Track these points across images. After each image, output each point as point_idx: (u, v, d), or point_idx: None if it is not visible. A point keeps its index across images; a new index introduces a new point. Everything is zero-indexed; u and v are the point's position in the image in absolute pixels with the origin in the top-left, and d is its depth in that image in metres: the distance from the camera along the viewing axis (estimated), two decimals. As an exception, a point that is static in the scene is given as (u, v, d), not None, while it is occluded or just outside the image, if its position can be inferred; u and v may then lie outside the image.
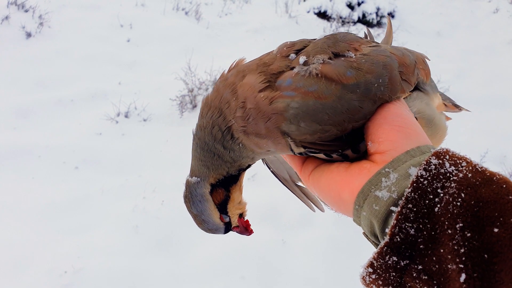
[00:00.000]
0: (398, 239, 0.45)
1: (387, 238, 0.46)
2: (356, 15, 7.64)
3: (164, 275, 2.68)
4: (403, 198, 0.46)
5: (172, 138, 4.07)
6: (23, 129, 3.98)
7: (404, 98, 0.65)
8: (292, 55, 0.62)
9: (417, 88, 0.70)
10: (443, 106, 0.83)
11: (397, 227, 0.45)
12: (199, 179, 0.71)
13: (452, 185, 0.44)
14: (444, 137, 0.74)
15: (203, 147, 0.67)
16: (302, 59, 0.60)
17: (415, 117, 0.65)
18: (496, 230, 0.40)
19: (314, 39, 0.66)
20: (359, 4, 7.80)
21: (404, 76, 0.60)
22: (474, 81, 5.92)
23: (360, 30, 6.97)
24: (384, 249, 0.46)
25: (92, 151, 3.77)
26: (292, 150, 0.60)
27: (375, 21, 7.78)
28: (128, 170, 3.59)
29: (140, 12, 6.75)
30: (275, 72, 0.60)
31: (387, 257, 0.45)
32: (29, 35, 5.40)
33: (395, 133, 0.54)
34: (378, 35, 7.22)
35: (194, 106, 4.55)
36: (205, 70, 4.76)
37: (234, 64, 0.68)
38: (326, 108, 0.55)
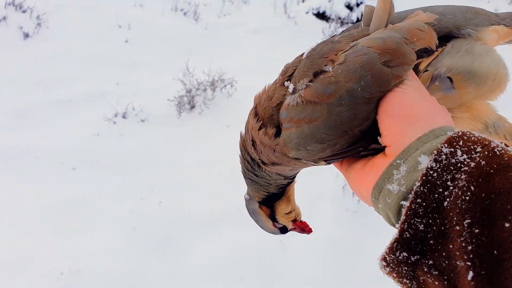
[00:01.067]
0: (408, 235, 0.44)
1: (396, 234, 0.45)
2: (355, 15, 7.64)
3: (163, 277, 2.66)
4: (413, 193, 0.45)
5: (170, 139, 4.05)
6: (21, 130, 3.95)
7: (435, 58, 0.63)
8: (286, 83, 0.65)
9: (452, 36, 0.66)
10: None
11: (406, 223, 0.44)
12: (249, 197, 0.83)
13: (462, 177, 0.42)
14: (499, 83, 0.65)
15: (244, 175, 0.78)
16: (291, 87, 0.63)
17: (448, 77, 0.63)
18: (507, 224, 0.38)
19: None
20: (357, 5, 7.79)
21: (393, 63, 0.56)
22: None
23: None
24: (395, 245, 0.45)
25: (90, 152, 3.75)
26: (314, 165, 0.65)
27: (374, 22, 7.79)
28: (126, 171, 3.57)
29: (139, 13, 6.74)
30: (275, 105, 0.65)
31: (397, 253, 0.45)
32: (26, 35, 5.38)
33: (395, 124, 0.53)
34: (377, 35, 7.22)
35: (192, 107, 4.53)
36: (203, 71, 4.74)
37: (261, 91, 0.73)
38: (321, 128, 0.58)
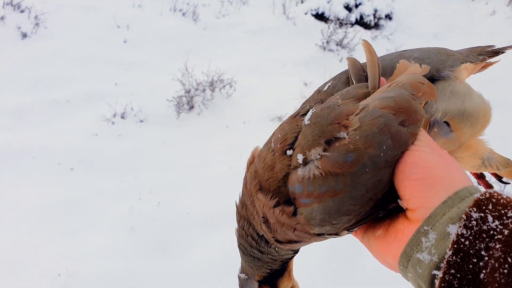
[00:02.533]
0: None
1: None
2: (353, 16, 7.64)
3: (162, 277, 2.64)
4: (444, 262, 0.42)
5: (168, 139, 4.04)
6: (18, 130, 3.94)
7: (426, 103, 0.62)
8: (289, 152, 0.60)
9: (434, 79, 0.67)
10: (479, 64, 0.76)
11: None
12: (247, 276, 0.75)
13: (497, 246, 0.40)
14: (488, 118, 0.68)
15: (244, 251, 0.71)
16: (300, 157, 0.57)
17: (445, 121, 0.62)
18: None
19: (304, 117, 0.62)
20: (356, 6, 7.80)
21: (407, 121, 0.54)
22: (471, 83, 5.89)
23: (357, 32, 6.96)
24: None
25: (88, 152, 3.74)
26: (335, 237, 0.61)
27: (372, 23, 7.77)
28: (124, 171, 3.56)
29: (137, 13, 6.73)
30: (281, 177, 0.60)
31: None
32: (24, 35, 5.37)
33: (416, 187, 0.50)
34: (376, 36, 7.22)
35: (191, 107, 4.52)
36: (202, 71, 4.74)
37: (250, 158, 0.67)
38: (346, 200, 0.54)
